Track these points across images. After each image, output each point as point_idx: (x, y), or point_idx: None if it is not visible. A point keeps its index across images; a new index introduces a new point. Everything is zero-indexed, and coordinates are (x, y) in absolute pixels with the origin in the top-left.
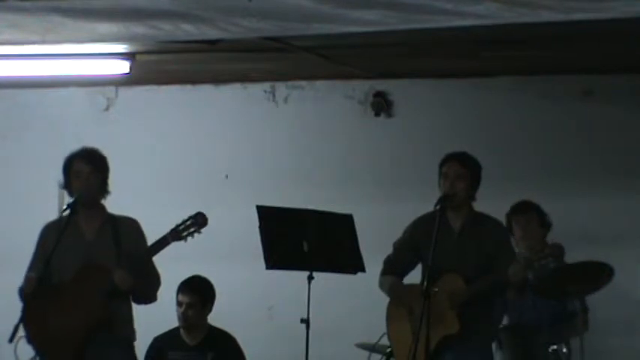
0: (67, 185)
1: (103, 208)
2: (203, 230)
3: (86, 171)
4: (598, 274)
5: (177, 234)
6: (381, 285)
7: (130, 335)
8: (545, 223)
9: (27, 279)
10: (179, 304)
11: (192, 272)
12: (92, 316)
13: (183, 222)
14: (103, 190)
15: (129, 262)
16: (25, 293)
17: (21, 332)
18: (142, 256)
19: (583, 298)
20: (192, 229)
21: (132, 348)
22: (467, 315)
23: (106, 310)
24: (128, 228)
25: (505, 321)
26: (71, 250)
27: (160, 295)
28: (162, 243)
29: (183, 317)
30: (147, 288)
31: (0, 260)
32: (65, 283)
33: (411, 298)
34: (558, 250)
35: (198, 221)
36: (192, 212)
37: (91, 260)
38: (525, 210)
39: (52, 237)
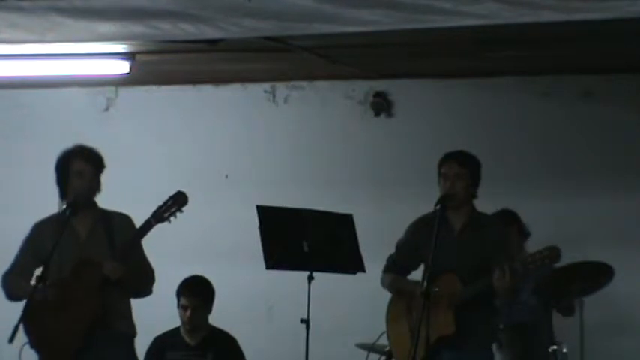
0: (62, 184)
1: (94, 204)
2: (204, 230)
3: (89, 171)
4: (598, 274)
5: (159, 215)
6: (383, 282)
7: (129, 330)
8: (523, 232)
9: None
10: (183, 307)
11: (193, 272)
12: (88, 311)
13: (165, 203)
14: (99, 188)
15: (118, 253)
16: (22, 295)
17: (24, 338)
18: (129, 241)
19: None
20: (173, 209)
21: (132, 344)
22: (465, 316)
23: (99, 305)
24: (121, 223)
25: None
26: (66, 248)
27: (160, 293)
28: (146, 227)
29: (189, 320)
30: (139, 279)
31: (0, 260)
32: (61, 282)
33: (410, 295)
34: (555, 252)
35: (178, 201)
36: (192, 212)
37: (86, 257)
38: (507, 221)
39: (46, 236)
